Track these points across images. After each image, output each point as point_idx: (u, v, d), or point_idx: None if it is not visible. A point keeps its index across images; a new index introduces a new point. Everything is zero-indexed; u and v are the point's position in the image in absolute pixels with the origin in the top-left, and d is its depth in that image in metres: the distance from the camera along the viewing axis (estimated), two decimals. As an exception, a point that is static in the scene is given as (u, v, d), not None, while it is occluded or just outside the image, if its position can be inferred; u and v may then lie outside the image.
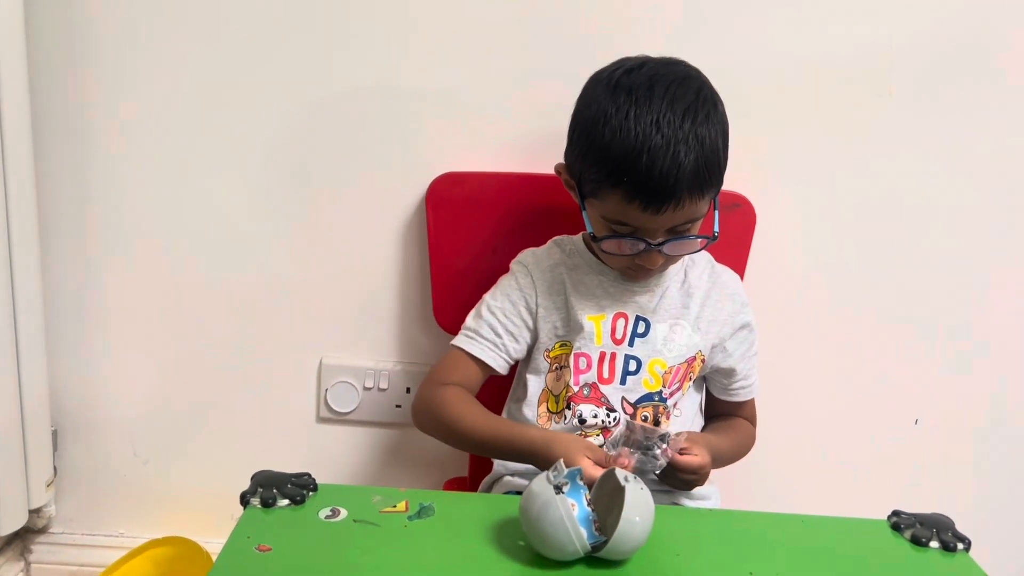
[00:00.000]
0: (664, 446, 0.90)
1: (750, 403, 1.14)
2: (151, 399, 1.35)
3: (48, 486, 1.32)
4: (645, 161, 0.90)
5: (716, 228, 1.00)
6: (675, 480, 0.95)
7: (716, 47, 1.17)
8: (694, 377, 1.06)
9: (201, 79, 1.22)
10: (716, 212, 1.00)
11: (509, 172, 1.21)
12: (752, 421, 1.14)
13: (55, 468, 1.35)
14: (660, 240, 0.96)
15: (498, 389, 1.13)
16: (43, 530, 1.40)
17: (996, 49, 1.19)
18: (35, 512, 1.34)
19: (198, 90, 1.22)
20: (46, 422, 1.30)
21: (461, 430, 1.01)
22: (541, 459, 0.93)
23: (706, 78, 0.98)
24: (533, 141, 1.19)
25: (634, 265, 1.00)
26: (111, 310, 1.31)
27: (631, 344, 1.04)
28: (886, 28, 1.18)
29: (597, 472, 0.85)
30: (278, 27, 1.19)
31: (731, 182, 1.18)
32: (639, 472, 0.88)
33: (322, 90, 1.22)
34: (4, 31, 1.11)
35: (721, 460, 1.04)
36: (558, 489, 0.76)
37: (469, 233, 1.21)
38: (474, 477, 1.26)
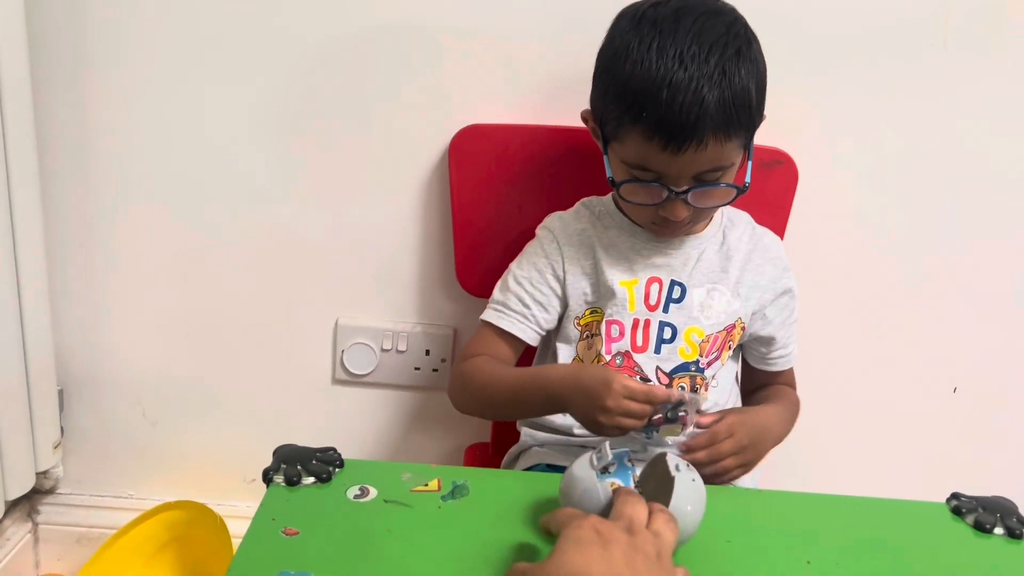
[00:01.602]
0: (682, 412, 0.84)
1: (789, 372, 1.09)
2: (160, 359, 1.30)
3: (55, 448, 1.28)
4: (666, 95, 0.85)
5: (748, 179, 0.93)
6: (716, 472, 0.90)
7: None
8: (733, 346, 1.01)
9: (213, 24, 1.14)
10: (749, 163, 0.94)
11: (537, 124, 1.14)
12: (793, 387, 1.09)
13: (62, 429, 1.31)
14: (684, 188, 0.90)
15: (530, 363, 1.09)
16: (51, 491, 1.37)
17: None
18: (42, 474, 1.30)
19: (209, 37, 1.14)
20: (52, 383, 1.25)
21: (491, 391, 0.97)
22: (572, 389, 0.88)
23: (741, 15, 0.91)
24: (563, 91, 1.11)
25: (659, 218, 0.94)
26: (117, 269, 1.25)
27: (666, 310, 0.98)
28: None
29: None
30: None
31: (772, 137, 1.12)
32: (665, 434, 0.86)
33: (340, 38, 1.14)
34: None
35: (770, 433, 0.97)
36: (605, 471, 0.71)
37: (494, 189, 1.15)
38: (496, 443, 1.23)
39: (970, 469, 1.24)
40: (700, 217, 0.97)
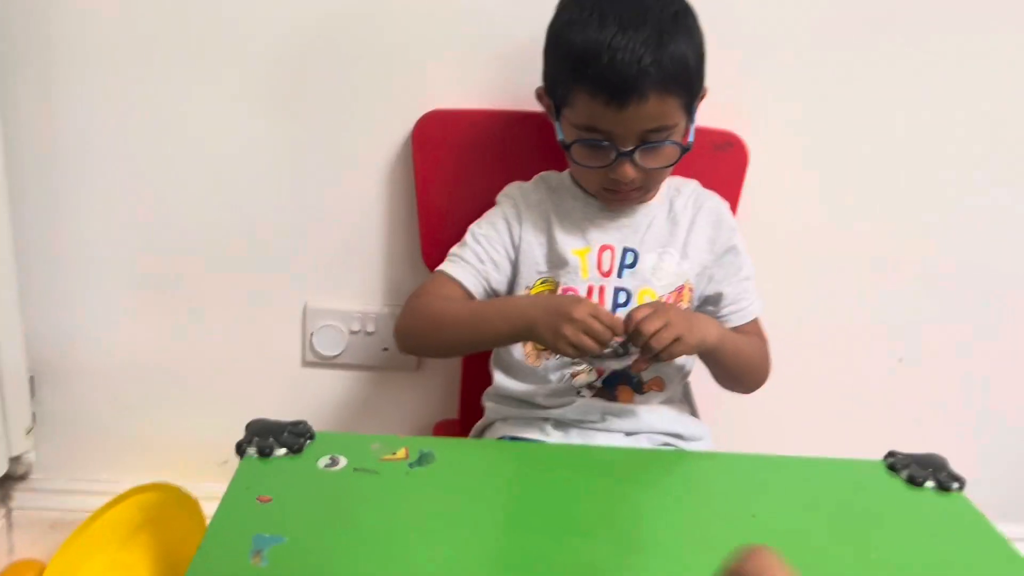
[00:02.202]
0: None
1: (752, 325, 1.09)
2: (130, 344, 1.32)
3: (27, 433, 1.30)
4: (607, 53, 0.90)
5: (691, 139, 0.99)
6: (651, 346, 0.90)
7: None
8: (684, 306, 1.06)
9: (175, 10, 1.15)
10: (692, 127, 0.99)
11: (499, 110, 1.18)
12: (761, 338, 1.10)
13: (33, 415, 1.32)
14: (630, 148, 0.95)
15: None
16: (23, 477, 1.38)
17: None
18: (15, 460, 1.31)
19: (172, 21, 1.16)
20: (23, 369, 1.27)
21: (450, 320, 1.00)
22: (540, 310, 0.92)
23: None
24: (524, 78, 1.14)
25: (609, 182, 0.99)
26: (86, 254, 1.27)
27: (620, 275, 1.03)
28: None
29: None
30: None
31: (723, 120, 1.17)
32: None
33: (303, 23, 1.16)
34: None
35: (720, 331, 0.99)
36: None
37: (457, 173, 1.18)
38: (464, 420, 1.26)
39: (911, 431, 1.30)
40: (649, 183, 1.01)
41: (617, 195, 1.01)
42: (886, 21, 1.18)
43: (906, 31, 1.18)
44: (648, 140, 0.95)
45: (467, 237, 1.07)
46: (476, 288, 1.04)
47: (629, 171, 0.96)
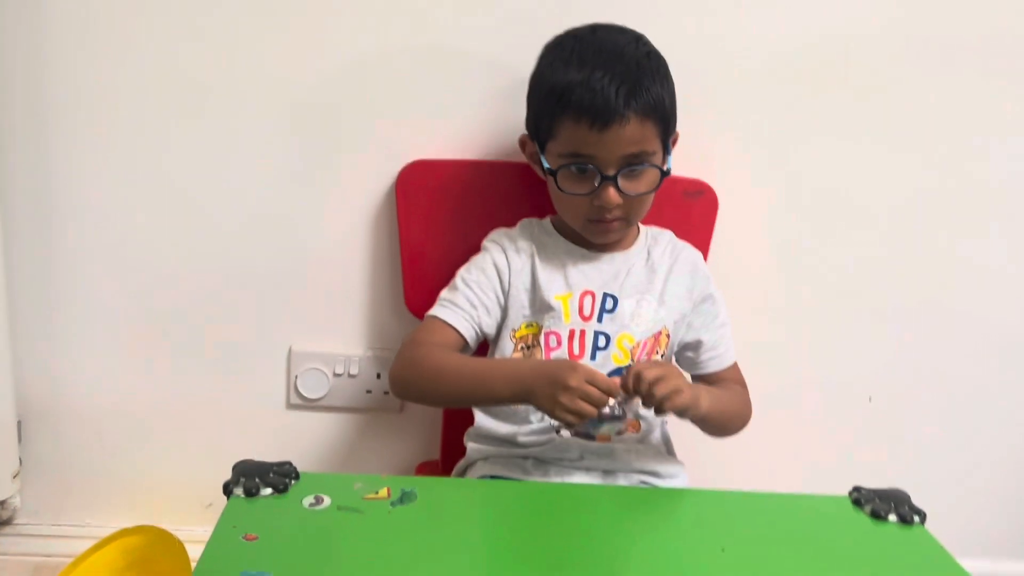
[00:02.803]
0: (627, 413, 0.93)
1: (731, 371, 1.14)
2: (117, 388, 1.34)
3: (14, 478, 1.31)
4: (589, 82, 0.98)
5: (669, 165, 1.05)
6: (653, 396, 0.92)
7: (678, 37, 1.18)
8: (662, 352, 1.09)
9: (163, 66, 1.20)
10: (669, 157, 1.06)
11: (480, 160, 1.22)
12: (740, 385, 1.14)
13: (20, 459, 1.33)
14: (613, 173, 1.00)
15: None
16: (7, 522, 1.38)
17: (951, 40, 1.24)
18: (0, 504, 1.32)
19: (160, 76, 1.20)
20: (11, 413, 1.28)
21: (449, 376, 1.01)
22: (537, 376, 0.93)
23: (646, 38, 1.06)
24: (504, 129, 1.20)
25: (593, 211, 1.03)
26: (75, 299, 1.29)
27: (600, 320, 1.07)
28: (843, 19, 1.22)
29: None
30: (245, 15, 1.18)
31: (694, 169, 1.22)
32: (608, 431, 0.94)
33: (290, 74, 1.21)
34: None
35: (710, 398, 0.99)
36: None
37: (439, 221, 1.22)
38: (446, 460, 1.29)
39: (878, 467, 1.33)
40: (631, 213, 1.05)
41: (601, 225, 1.05)
42: (850, 71, 1.24)
43: (871, 79, 1.25)
44: (630, 164, 1.00)
45: (457, 282, 1.10)
46: (469, 333, 1.07)
47: (613, 195, 1.01)
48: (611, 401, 0.91)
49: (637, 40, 1.04)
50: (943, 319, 1.36)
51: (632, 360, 1.06)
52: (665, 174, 1.04)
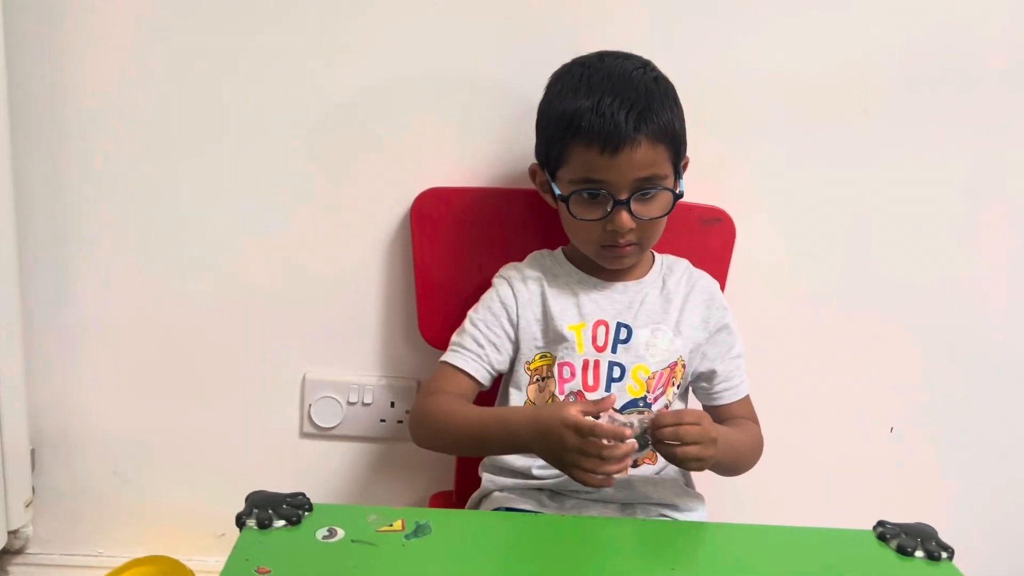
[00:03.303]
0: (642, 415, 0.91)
1: (743, 404, 1.12)
2: (131, 417, 1.33)
3: (27, 506, 1.30)
4: (599, 106, 0.98)
5: (681, 188, 1.04)
6: (675, 455, 0.92)
7: (695, 64, 1.19)
8: (677, 383, 1.08)
9: (184, 95, 1.21)
10: (680, 181, 1.05)
11: (494, 187, 1.22)
12: (752, 420, 1.13)
13: (33, 488, 1.33)
14: (625, 196, 0.99)
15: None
16: (20, 551, 1.37)
17: (969, 66, 1.23)
18: (12, 533, 1.31)
19: (181, 107, 1.21)
20: (25, 441, 1.28)
21: (453, 427, 1.02)
22: (533, 436, 0.93)
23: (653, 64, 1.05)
24: (519, 157, 1.20)
25: (606, 236, 1.02)
26: (89, 327, 1.29)
27: (614, 351, 1.06)
28: (861, 45, 1.22)
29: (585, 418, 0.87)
30: (259, 40, 1.19)
31: (711, 196, 1.21)
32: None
33: (306, 104, 1.22)
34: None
35: (724, 447, 0.97)
36: None
37: (454, 248, 1.22)
38: (460, 491, 1.27)
39: (901, 501, 1.31)
40: (644, 238, 1.04)
41: (615, 251, 1.04)
42: (868, 97, 1.23)
43: (889, 105, 1.24)
44: (642, 188, 1.00)
45: (466, 323, 1.10)
46: (479, 373, 1.07)
47: (626, 219, 1.00)
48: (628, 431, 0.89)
49: (644, 66, 1.04)
50: (967, 346, 1.34)
51: (648, 391, 1.05)
52: (678, 197, 1.03)
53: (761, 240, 1.26)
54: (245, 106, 1.22)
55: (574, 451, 0.88)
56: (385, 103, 1.22)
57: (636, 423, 0.91)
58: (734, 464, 1.05)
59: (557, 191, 1.04)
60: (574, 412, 0.88)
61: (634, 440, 0.89)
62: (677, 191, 1.03)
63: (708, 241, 1.21)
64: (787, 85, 1.22)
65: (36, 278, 1.26)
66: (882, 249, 1.30)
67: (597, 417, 0.89)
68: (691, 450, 0.91)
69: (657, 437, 0.91)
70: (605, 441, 0.87)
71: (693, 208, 1.19)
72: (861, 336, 1.33)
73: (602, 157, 0.98)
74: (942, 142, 1.26)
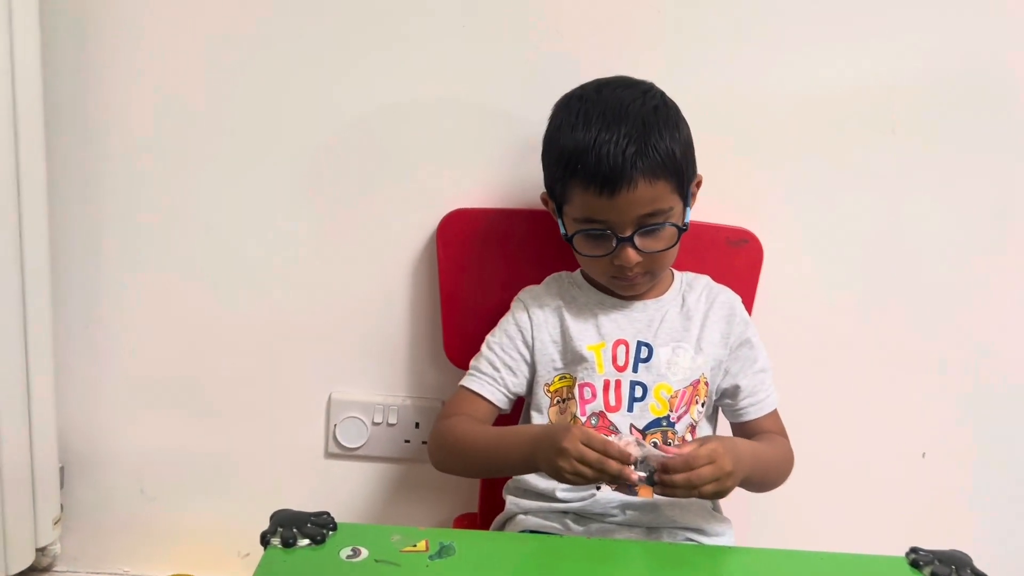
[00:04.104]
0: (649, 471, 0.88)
1: (771, 419, 1.10)
2: (157, 435, 1.34)
3: (55, 524, 1.31)
4: (595, 148, 0.97)
5: (687, 220, 1.04)
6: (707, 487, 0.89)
7: (721, 84, 1.19)
8: (701, 400, 1.07)
9: (214, 114, 1.23)
10: (688, 209, 1.04)
11: (519, 208, 1.22)
12: (781, 434, 1.10)
13: (61, 506, 1.34)
14: (629, 233, 0.99)
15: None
16: (47, 568, 1.38)
17: (996, 88, 1.22)
18: (41, 550, 1.32)
19: (208, 127, 1.23)
20: (54, 459, 1.29)
21: (467, 447, 1.03)
22: (538, 447, 0.92)
23: (657, 87, 1.04)
24: (540, 179, 1.20)
25: (614, 269, 1.02)
26: (120, 346, 1.31)
27: (635, 370, 1.05)
28: (888, 67, 1.21)
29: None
30: (289, 63, 1.21)
31: (738, 217, 1.21)
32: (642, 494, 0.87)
33: (333, 126, 1.23)
34: (21, 58, 1.12)
35: (753, 462, 0.96)
36: None
37: (479, 269, 1.22)
38: (484, 513, 1.26)
39: (933, 527, 1.28)
40: (654, 266, 1.04)
41: (624, 281, 1.04)
42: (897, 118, 1.23)
43: (918, 126, 1.23)
44: (645, 224, 0.99)
45: (483, 347, 1.10)
46: (495, 396, 1.07)
47: (632, 255, 1.00)
48: (633, 451, 0.87)
49: (644, 93, 1.02)
50: (1000, 370, 1.32)
51: (671, 410, 1.04)
52: (683, 230, 1.02)
53: (789, 261, 1.25)
54: (274, 128, 1.23)
55: (566, 454, 0.87)
56: (412, 126, 1.23)
57: (644, 458, 0.88)
58: (762, 481, 1.03)
59: (563, 229, 1.05)
60: (582, 428, 0.90)
61: (633, 470, 0.87)
62: (682, 224, 1.02)
63: (735, 262, 1.20)
64: (815, 106, 1.22)
65: (67, 300, 1.28)
66: (912, 271, 1.28)
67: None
68: (707, 490, 0.88)
69: (668, 482, 0.87)
70: (590, 453, 0.86)
71: (720, 229, 1.19)
72: (891, 358, 1.31)
73: (600, 198, 0.98)
74: (970, 162, 1.25)
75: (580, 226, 1.02)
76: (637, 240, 1.00)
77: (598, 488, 1.01)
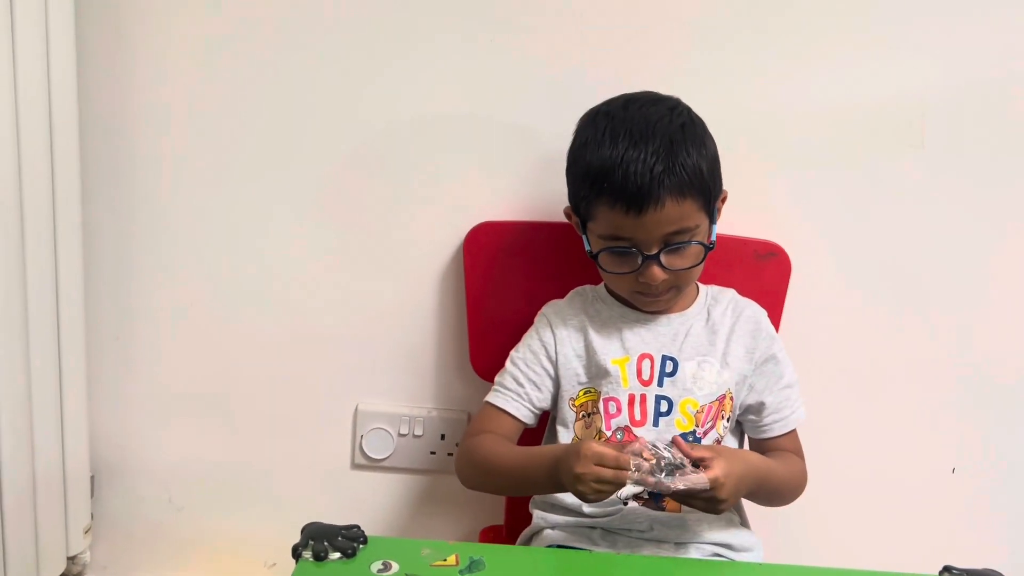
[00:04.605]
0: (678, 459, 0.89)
1: (790, 438, 1.10)
2: (187, 446, 1.36)
3: (86, 532, 1.32)
4: (621, 166, 0.96)
5: (713, 238, 1.03)
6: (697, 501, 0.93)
7: (751, 96, 1.19)
8: (727, 416, 1.06)
9: (243, 125, 1.24)
10: (714, 227, 1.04)
11: (546, 221, 1.23)
12: (797, 454, 1.10)
13: (91, 515, 1.35)
14: (655, 251, 0.98)
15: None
16: (77, 577, 1.40)
17: (1026, 99, 1.21)
18: (71, 559, 1.33)
19: (237, 138, 1.25)
20: (85, 468, 1.31)
21: (494, 469, 1.04)
22: (557, 469, 0.92)
23: (683, 102, 1.04)
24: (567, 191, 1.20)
25: (639, 286, 1.02)
26: (150, 357, 1.32)
27: (660, 384, 1.05)
28: (919, 83, 1.20)
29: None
30: (317, 75, 1.22)
31: (766, 231, 1.20)
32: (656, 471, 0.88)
33: (361, 139, 1.24)
34: (57, 91, 1.14)
35: (760, 477, 0.98)
36: None
37: (506, 281, 1.23)
38: (510, 525, 1.26)
39: (964, 544, 1.27)
40: (679, 282, 1.03)
41: (649, 297, 1.04)
42: (928, 132, 1.22)
43: (949, 140, 1.22)
44: (671, 242, 0.99)
45: (507, 363, 1.10)
46: (520, 412, 1.07)
47: (657, 273, 1.00)
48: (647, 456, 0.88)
49: (671, 110, 1.01)
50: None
51: (697, 425, 1.03)
52: (709, 248, 1.02)
53: (817, 275, 1.24)
54: (303, 141, 1.24)
55: (583, 479, 0.88)
56: (439, 138, 1.24)
57: (658, 460, 0.89)
58: (769, 498, 1.05)
59: (588, 246, 1.04)
60: (593, 446, 0.90)
61: (630, 486, 0.88)
62: (709, 242, 1.02)
63: (763, 276, 1.20)
64: (844, 119, 1.21)
65: (99, 313, 1.30)
66: (941, 285, 1.27)
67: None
68: (696, 504, 0.93)
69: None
70: (606, 472, 0.88)
71: (748, 242, 1.19)
72: (920, 372, 1.30)
73: (627, 217, 0.97)
74: (1000, 176, 1.24)
75: (605, 243, 1.02)
76: (663, 258, 0.99)
77: (625, 503, 1.01)
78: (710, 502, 0.92)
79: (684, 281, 1.04)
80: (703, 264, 1.04)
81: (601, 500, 0.90)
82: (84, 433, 1.29)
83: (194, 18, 1.21)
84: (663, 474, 0.87)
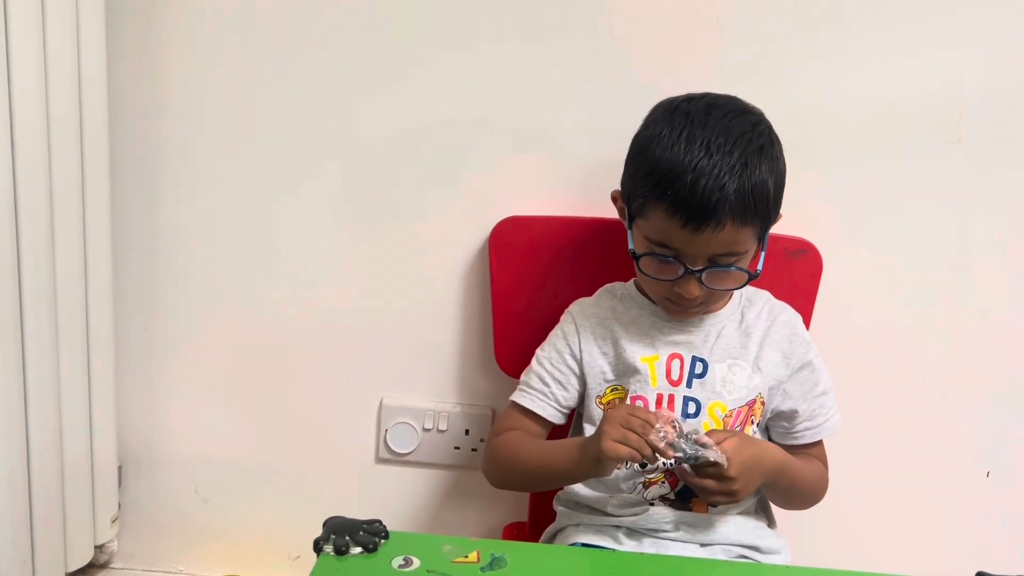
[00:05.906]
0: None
1: (817, 447, 1.09)
2: (213, 438, 1.36)
3: (113, 522, 1.34)
4: (690, 178, 0.92)
5: (760, 267, 1.00)
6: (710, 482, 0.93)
7: (784, 91, 1.17)
8: (756, 421, 1.05)
9: (267, 121, 1.24)
10: (763, 254, 1.01)
11: (573, 216, 1.21)
12: (822, 462, 1.09)
13: (119, 504, 1.37)
14: (699, 268, 0.96)
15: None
16: (104, 566, 1.41)
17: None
18: (99, 548, 1.35)
19: (264, 131, 1.25)
20: (113, 458, 1.32)
21: (520, 463, 1.04)
22: (589, 447, 0.94)
23: (767, 119, 1.00)
24: (598, 186, 1.18)
25: (673, 295, 1.00)
26: (177, 349, 1.33)
27: (689, 385, 1.03)
28: (956, 76, 1.17)
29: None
30: (350, 75, 1.22)
31: (797, 227, 1.18)
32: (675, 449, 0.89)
33: (387, 132, 1.24)
34: (88, 89, 1.15)
35: (778, 470, 0.99)
36: None
37: (532, 276, 1.22)
38: (534, 522, 1.26)
39: (999, 550, 1.24)
40: (712, 299, 1.02)
41: (679, 307, 1.02)
42: (965, 128, 1.19)
43: (986, 137, 1.19)
44: (717, 263, 0.96)
45: (533, 362, 1.09)
46: (546, 411, 1.06)
47: (695, 289, 0.97)
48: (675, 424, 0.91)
49: (755, 127, 0.97)
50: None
51: (724, 430, 1.01)
52: (753, 276, 0.99)
53: (849, 273, 1.22)
54: (331, 137, 1.24)
55: (612, 423, 0.91)
56: (466, 132, 1.23)
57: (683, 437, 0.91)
58: (787, 493, 1.04)
59: (631, 245, 1.01)
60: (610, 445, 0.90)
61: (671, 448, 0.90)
62: (755, 271, 0.99)
63: (793, 273, 1.18)
64: (877, 113, 1.19)
65: (127, 306, 1.31)
66: (977, 283, 1.24)
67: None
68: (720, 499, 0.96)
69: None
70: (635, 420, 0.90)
71: (779, 239, 1.16)
72: (955, 373, 1.27)
73: (683, 230, 0.94)
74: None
75: (651, 247, 0.98)
76: (704, 276, 0.96)
77: (652, 504, 1.00)
78: (722, 482, 0.92)
79: (716, 300, 1.03)
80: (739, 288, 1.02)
81: (618, 455, 0.89)
82: (112, 423, 1.30)
83: (224, 18, 1.21)
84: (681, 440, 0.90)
